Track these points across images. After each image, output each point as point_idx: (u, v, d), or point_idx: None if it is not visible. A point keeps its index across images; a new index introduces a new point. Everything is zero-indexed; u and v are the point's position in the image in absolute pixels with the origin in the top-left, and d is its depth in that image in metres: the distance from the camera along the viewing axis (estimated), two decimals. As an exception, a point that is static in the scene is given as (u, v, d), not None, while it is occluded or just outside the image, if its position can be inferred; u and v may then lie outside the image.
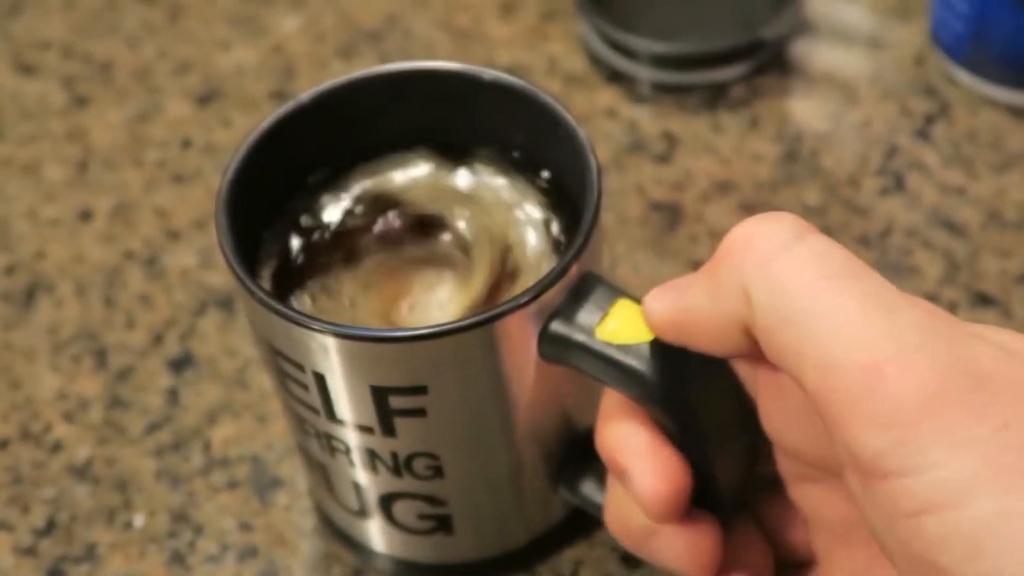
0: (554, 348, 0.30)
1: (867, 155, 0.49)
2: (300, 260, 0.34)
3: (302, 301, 0.33)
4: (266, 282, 0.33)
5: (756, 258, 0.26)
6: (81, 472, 0.42)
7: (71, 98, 0.54)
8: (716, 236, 0.47)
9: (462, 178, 0.35)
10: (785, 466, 0.30)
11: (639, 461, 0.28)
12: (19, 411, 0.43)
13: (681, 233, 0.47)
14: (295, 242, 0.34)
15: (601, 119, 0.51)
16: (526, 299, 0.29)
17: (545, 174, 0.35)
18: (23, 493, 0.41)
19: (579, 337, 0.29)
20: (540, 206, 0.35)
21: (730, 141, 0.50)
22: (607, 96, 0.52)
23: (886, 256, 0.46)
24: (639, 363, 0.28)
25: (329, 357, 0.29)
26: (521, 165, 0.35)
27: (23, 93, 0.54)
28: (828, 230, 0.46)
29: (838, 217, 0.47)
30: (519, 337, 0.29)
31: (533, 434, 0.33)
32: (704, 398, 0.29)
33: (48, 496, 0.41)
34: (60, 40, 0.56)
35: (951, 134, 0.50)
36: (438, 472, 0.32)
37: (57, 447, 0.42)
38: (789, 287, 0.25)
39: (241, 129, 0.52)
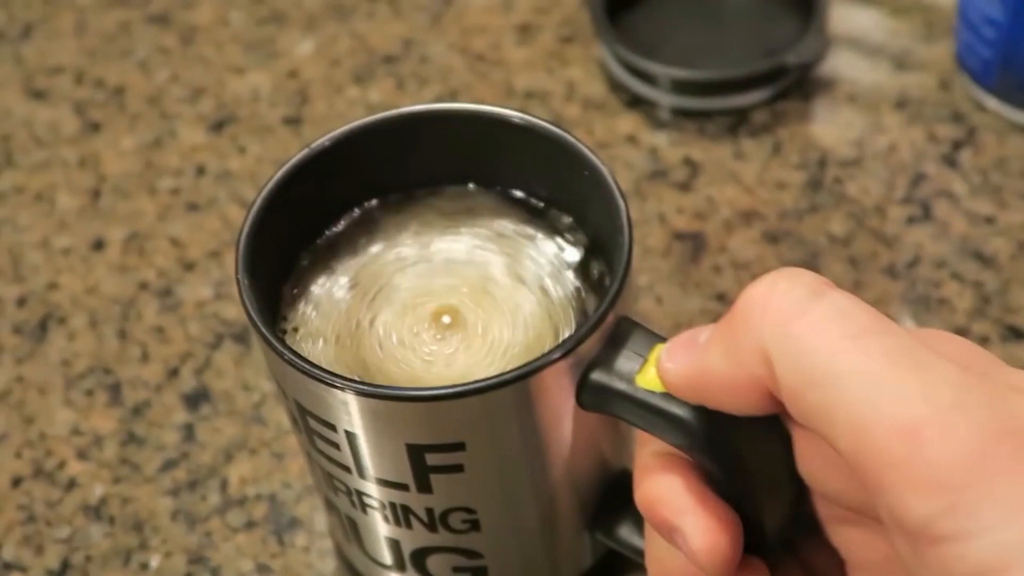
0: (594, 397, 0.29)
1: (893, 182, 0.48)
2: (316, 307, 0.33)
3: (317, 344, 0.32)
4: (286, 328, 0.32)
5: (775, 319, 0.25)
6: (96, 511, 0.41)
7: (83, 124, 0.53)
8: (740, 267, 0.46)
9: (481, 225, 0.34)
10: (822, 509, 0.30)
11: (689, 518, 0.28)
12: (33, 448, 0.43)
13: (704, 264, 0.46)
14: (313, 289, 0.33)
15: (621, 146, 0.51)
16: (565, 350, 0.28)
17: (567, 218, 0.34)
18: (37, 532, 0.41)
19: (620, 386, 0.28)
20: (564, 248, 0.34)
21: (753, 168, 0.49)
22: (627, 122, 0.51)
23: (914, 288, 0.45)
24: (683, 411, 0.27)
25: (363, 417, 0.28)
26: (542, 208, 0.35)
27: (35, 119, 0.54)
28: (854, 260, 0.45)
29: (864, 247, 0.46)
30: (558, 387, 0.29)
31: (570, 480, 0.32)
32: (749, 443, 0.28)
33: (62, 536, 0.41)
34: (72, 65, 0.56)
35: (979, 161, 0.49)
36: (474, 526, 0.31)
37: (72, 485, 0.42)
38: (812, 349, 0.24)
39: (255, 156, 0.51)
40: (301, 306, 0.33)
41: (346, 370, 0.31)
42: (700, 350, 0.27)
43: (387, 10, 0.56)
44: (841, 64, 0.53)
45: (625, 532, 0.34)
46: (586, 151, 0.32)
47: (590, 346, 0.29)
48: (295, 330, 0.33)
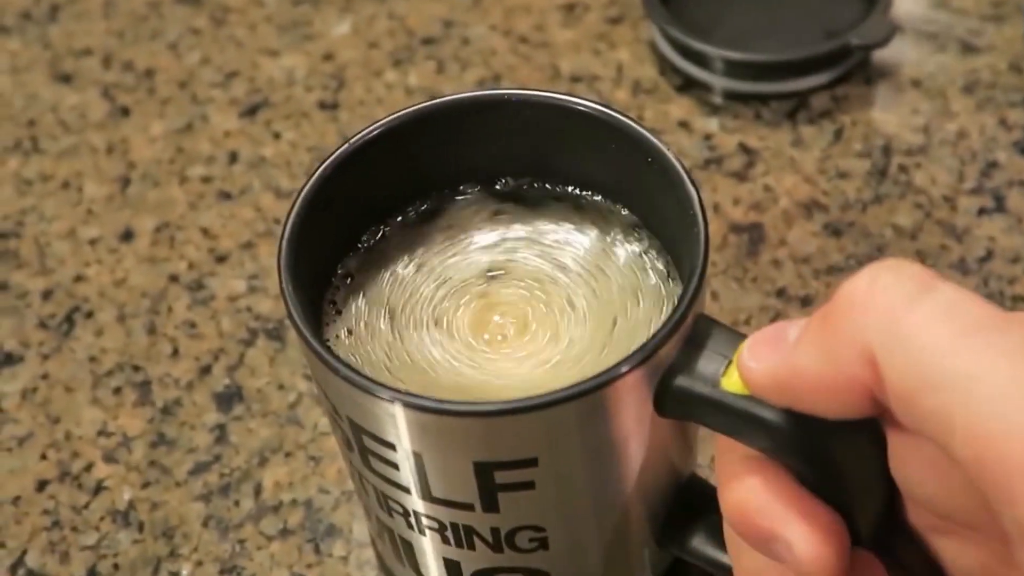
0: (675, 404, 0.27)
1: (963, 171, 0.46)
2: (367, 315, 0.31)
3: (369, 350, 0.30)
4: (332, 335, 0.30)
5: (881, 315, 0.23)
6: (124, 517, 0.39)
7: (112, 108, 0.51)
8: (800, 262, 0.43)
9: (535, 221, 0.32)
10: (915, 516, 0.27)
11: (792, 526, 0.25)
12: (59, 449, 0.41)
13: (763, 258, 0.44)
14: (366, 291, 0.31)
15: (673, 132, 0.48)
16: (645, 355, 0.26)
17: (625, 211, 0.32)
18: (63, 539, 0.39)
19: (704, 390, 0.26)
20: (626, 242, 0.32)
21: (813, 156, 0.47)
22: (679, 107, 0.49)
23: (986, 285, 0.42)
24: (774, 415, 0.25)
25: (429, 435, 0.26)
26: (601, 202, 0.32)
27: (62, 103, 0.52)
28: (921, 255, 0.43)
29: (933, 240, 0.44)
30: (636, 394, 0.27)
31: (641, 490, 0.30)
32: (845, 447, 0.26)
33: (89, 543, 0.39)
34: (100, 47, 0.54)
35: (1054, 149, 0.46)
36: (543, 544, 0.29)
37: (99, 489, 0.40)
38: (925, 348, 0.22)
39: (289, 142, 0.49)
40: (353, 309, 0.31)
41: (406, 378, 0.29)
42: (790, 348, 0.25)
43: (426, -11, 0.54)
44: (905, 46, 0.50)
45: (698, 542, 0.32)
46: (651, 137, 0.30)
47: (669, 349, 0.26)
48: (348, 333, 0.30)
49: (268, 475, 0.40)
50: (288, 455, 0.40)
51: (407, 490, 0.28)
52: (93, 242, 0.47)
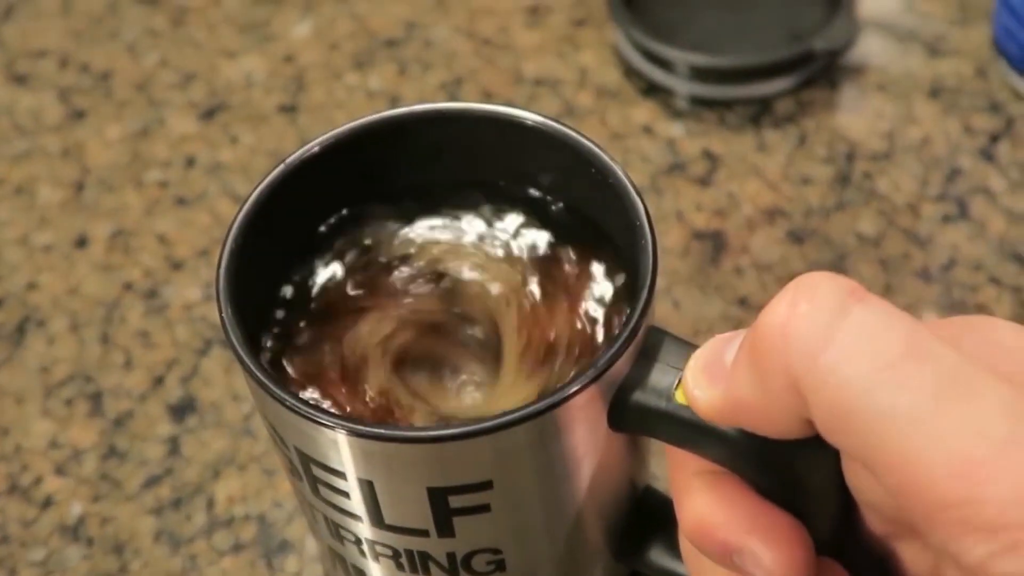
0: (629, 419, 0.27)
1: (927, 178, 0.45)
2: (306, 336, 0.30)
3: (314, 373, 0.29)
4: (274, 357, 0.29)
5: (799, 349, 0.22)
6: (74, 531, 0.38)
7: (67, 111, 0.50)
8: (763, 269, 0.43)
9: (476, 228, 0.31)
10: (870, 522, 0.27)
11: (756, 537, 0.25)
12: (8, 461, 0.40)
13: (725, 265, 0.43)
14: (302, 317, 0.30)
15: (637, 137, 0.48)
16: (597, 372, 0.25)
17: (568, 215, 0.31)
18: (11, 555, 0.38)
19: (658, 405, 0.26)
20: (571, 250, 0.31)
21: (776, 161, 0.46)
22: (643, 111, 0.48)
23: (949, 292, 0.42)
24: (730, 429, 0.25)
25: (380, 462, 0.26)
26: (542, 205, 0.32)
27: (16, 105, 0.51)
28: (884, 262, 0.42)
29: (896, 247, 0.43)
30: (589, 411, 0.26)
31: (597, 506, 0.29)
32: (797, 454, 0.26)
33: (37, 558, 0.38)
34: (56, 48, 0.53)
35: (1019, 155, 0.46)
36: (499, 566, 0.28)
37: (48, 503, 0.39)
38: (844, 383, 0.22)
39: (248, 147, 0.49)
40: (295, 328, 0.30)
41: (354, 400, 0.28)
42: (727, 377, 0.24)
43: (389, -10, 0.53)
44: (870, 50, 0.49)
45: (656, 555, 0.32)
46: (593, 148, 0.29)
47: (622, 364, 0.26)
48: (285, 354, 0.30)
49: (221, 488, 0.39)
50: (242, 468, 0.39)
51: (359, 518, 0.28)
52: (47, 249, 0.46)
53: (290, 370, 0.29)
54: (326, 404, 0.28)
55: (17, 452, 0.40)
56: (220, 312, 0.27)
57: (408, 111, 0.31)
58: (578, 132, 0.30)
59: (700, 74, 0.47)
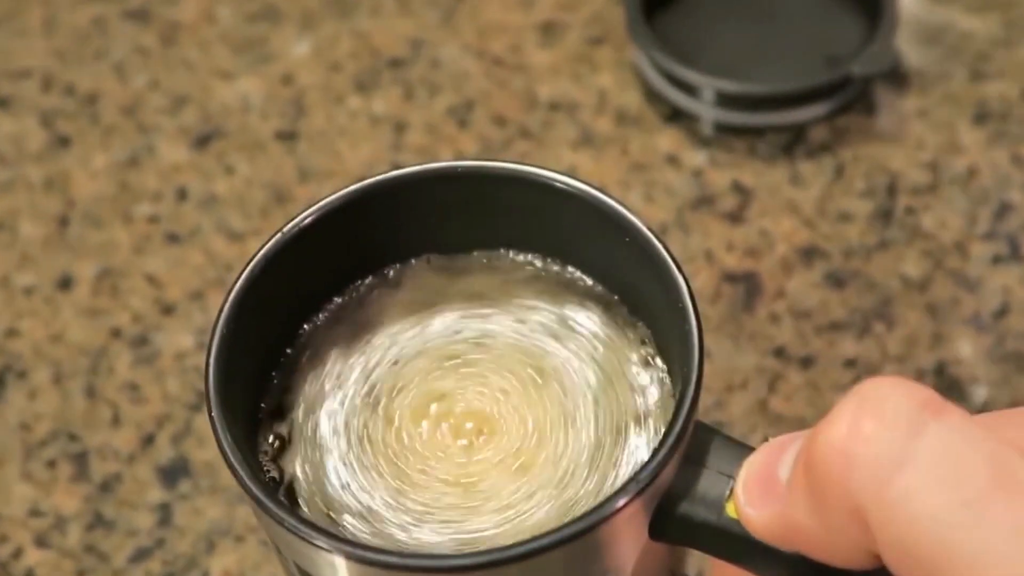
0: (675, 531, 0.24)
1: (974, 213, 0.42)
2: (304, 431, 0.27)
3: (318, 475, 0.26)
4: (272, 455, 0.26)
5: (864, 477, 0.19)
6: (57, 610, 0.35)
7: (51, 138, 0.47)
8: (800, 316, 0.40)
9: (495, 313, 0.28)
10: None
11: None
12: (-15, 531, 0.37)
13: (759, 311, 0.40)
14: (306, 398, 0.27)
15: (660, 168, 0.44)
16: (642, 485, 0.23)
17: (600, 288, 0.28)
18: (-12, 636, 0.35)
19: (709, 518, 0.23)
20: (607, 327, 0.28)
21: (812, 195, 0.43)
22: (666, 139, 0.45)
23: (1003, 343, 0.39)
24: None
25: None
26: (570, 278, 0.29)
27: (-4, 132, 0.48)
28: (932, 308, 0.39)
29: (944, 292, 0.40)
30: (631, 524, 0.23)
31: None
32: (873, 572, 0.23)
33: (18, 640, 0.35)
34: (39, 68, 0.49)
35: (1073, 189, 0.43)
36: None
37: (29, 577, 0.36)
38: (919, 518, 0.19)
39: (244, 178, 0.45)
40: (292, 420, 0.27)
41: (360, 510, 0.25)
42: (782, 498, 0.22)
43: (393, 6, 0.50)
44: (910, 73, 0.46)
45: None
46: (629, 216, 0.26)
47: (668, 471, 0.23)
48: (281, 448, 0.27)
49: (216, 563, 0.36)
50: (239, 539, 0.36)
51: None
52: (28, 291, 0.43)
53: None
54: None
55: (-5, 520, 0.37)
56: (210, 412, 0.24)
57: (416, 170, 0.28)
58: (608, 194, 0.27)
59: (728, 100, 0.44)
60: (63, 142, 0.47)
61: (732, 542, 0.23)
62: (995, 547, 0.18)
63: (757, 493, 0.22)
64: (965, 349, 0.39)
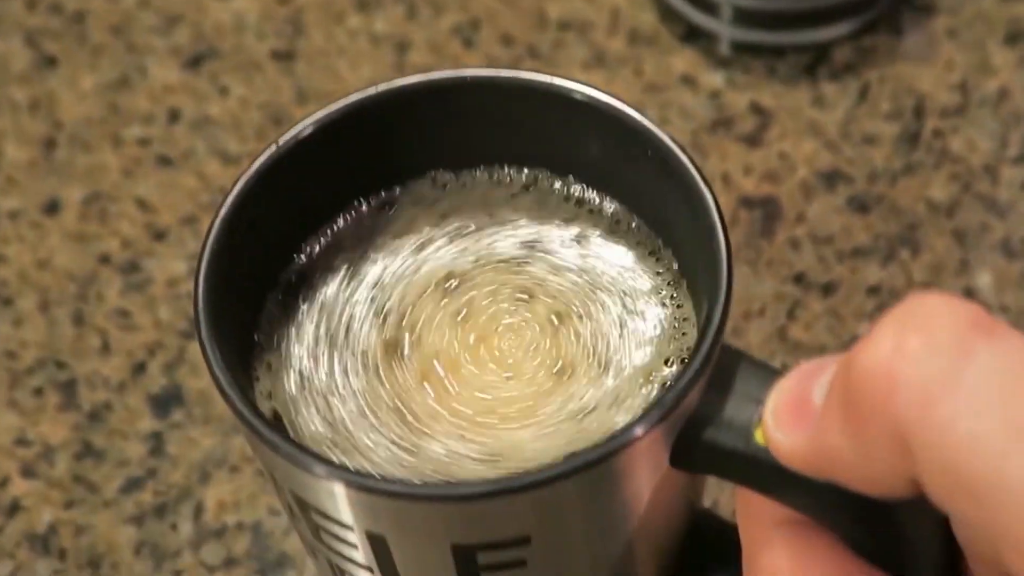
0: (699, 459, 0.22)
1: (1005, 136, 0.40)
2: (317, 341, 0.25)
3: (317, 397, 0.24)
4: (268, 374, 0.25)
5: (909, 399, 0.18)
6: (44, 542, 0.34)
7: (36, 58, 0.45)
8: (821, 242, 0.38)
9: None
10: (979, 573, 0.23)
11: None
12: (-31, 461, 0.36)
13: (778, 238, 0.38)
14: (306, 318, 0.25)
15: (675, 89, 0.42)
16: (663, 412, 0.21)
17: (611, 207, 0.27)
18: (-27, 569, 0.34)
19: (735, 445, 0.22)
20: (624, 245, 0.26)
21: (835, 118, 0.41)
22: (682, 59, 0.43)
23: (1035, 269, 0.37)
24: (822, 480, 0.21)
25: (396, 518, 0.21)
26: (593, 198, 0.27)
27: (-20, 52, 0.46)
28: (959, 234, 0.37)
29: (972, 218, 0.38)
30: (652, 452, 0.22)
31: (650, 546, 0.25)
32: (902, 510, 0.21)
33: (3, 573, 0.34)
34: (25, -14, 0.47)
35: (1110, 111, 0.41)
36: None
37: (15, 508, 0.35)
38: (968, 443, 0.18)
39: (239, 99, 0.43)
40: (290, 351, 0.25)
41: (364, 425, 0.24)
42: (815, 421, 0.20)
43: (395, -79, 0.48)
44: (938, -11, 0.44)
45: None
46: (654, 129, 0.24)
47: (692, 397, 0.21)
48: (276, 372, 0.25)
49: (210, 494, 0.34)
50: (234, 469, 0.35)
51: (368, 569, 0.23)
52: (13, 215, 0.41)
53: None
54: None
55: (-20, 450, 0.36)
56: (199, 335, 0.22)
57: (423, 80, 0.26)
58: (628, 104, 0.25)
59: (747, 17, 0.42)
60: (49, 62, 0.45)
61: (759, 470, 0.22)
62: None
63: (788, 418, 0.21)
64: (993, 277, 0.37)
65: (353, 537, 0.22)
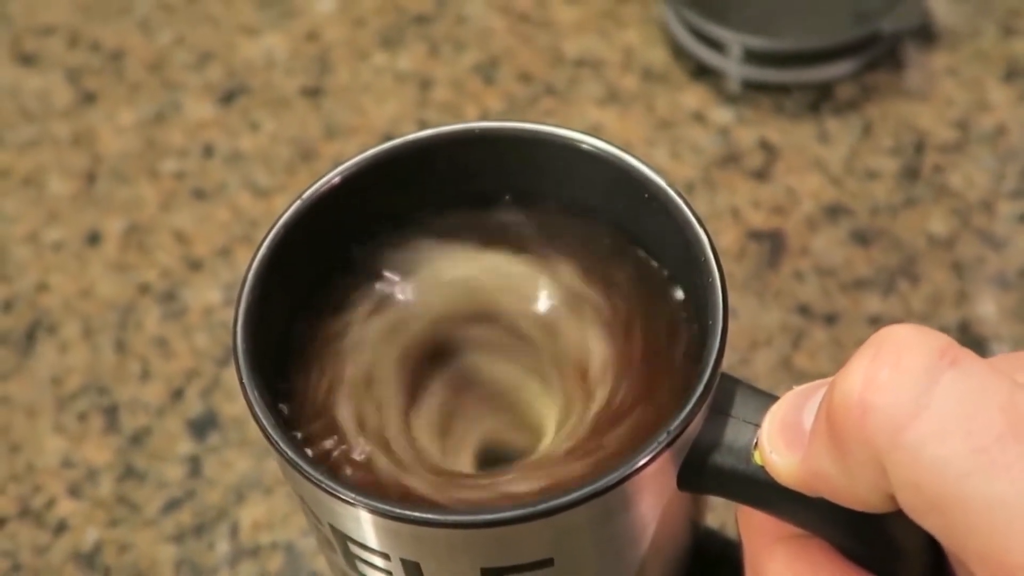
0: (703, 482, 0.24)
1: (1002, 172, 0.42)
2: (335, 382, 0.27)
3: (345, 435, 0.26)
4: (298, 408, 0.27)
5: (880, 424, 0.20)
6: (89, 560, 0.36)
7: (77, 95, 0.47)
8: (825, 273, 0.40)
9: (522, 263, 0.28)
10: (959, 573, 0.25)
11: None
12: (19, 482, 0.38)
13: (784, 269, 0.40)
14: (324, 365, 0.27)
15: (686, 124, 0.44)
16: (671, 438, 0.23)
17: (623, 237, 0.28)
18: (23, 584, 0.36)
19: (736, 466, 0.24)
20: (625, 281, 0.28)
21: (839, 153, 0.43)
22: (693, 96, 0.45)
23: (1029, 301, 0.39)
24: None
25: (429, 545, 0.23)
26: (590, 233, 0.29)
27: (22, 88, 0.48)
28: (958, 267, 0.39)
29: (969, 250, 0.40)
30: (660, 477, 0.24)
31: (661, 561, 0.27)
32: (890, 522, 0.23)
33: (52, 589, 0.36)
34: (65, 24, 0.50)
35: (1103, 148, 0.42)
36: None
37: (61, 528, 0.37)
38: (934, 464, 0.19)
39: (269, 134, 0.45)
40: (317, 383, 0.27)
41: (394, 452, 0.25)
42: (806, 445, 0.22)
43: (418, -39, 0.50)
44: (939, 29, 0.46)
45: None
46: (648, 172, 0.26)
47: (696, 423, 0.23)
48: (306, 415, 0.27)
49: (246, 514, 0.36)
50: (268, 491, 0.37)
51: None
52: (57, 247, 0.43)
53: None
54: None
55: (29, 471, 0.38)
56: (239, 373, 0.24)
57: (437, 133, 0.28)
58: (623, 150, 0.27)
59: (755, 56, 0.44)
60: (89, 98, 0.47)
61: (759, 489, 0.23)
62: (1008, 494, 0.19)
63: (781, 440, 0.22)
64: (990, 307, 0.39)
65: (388, 565, 0.24)
